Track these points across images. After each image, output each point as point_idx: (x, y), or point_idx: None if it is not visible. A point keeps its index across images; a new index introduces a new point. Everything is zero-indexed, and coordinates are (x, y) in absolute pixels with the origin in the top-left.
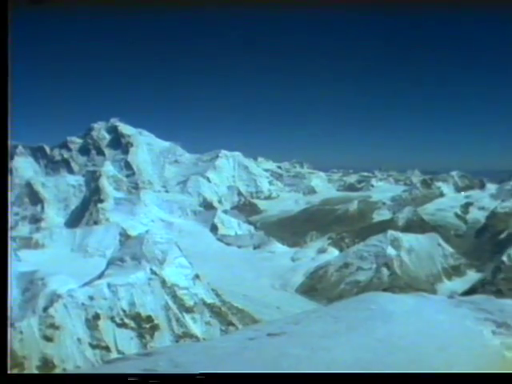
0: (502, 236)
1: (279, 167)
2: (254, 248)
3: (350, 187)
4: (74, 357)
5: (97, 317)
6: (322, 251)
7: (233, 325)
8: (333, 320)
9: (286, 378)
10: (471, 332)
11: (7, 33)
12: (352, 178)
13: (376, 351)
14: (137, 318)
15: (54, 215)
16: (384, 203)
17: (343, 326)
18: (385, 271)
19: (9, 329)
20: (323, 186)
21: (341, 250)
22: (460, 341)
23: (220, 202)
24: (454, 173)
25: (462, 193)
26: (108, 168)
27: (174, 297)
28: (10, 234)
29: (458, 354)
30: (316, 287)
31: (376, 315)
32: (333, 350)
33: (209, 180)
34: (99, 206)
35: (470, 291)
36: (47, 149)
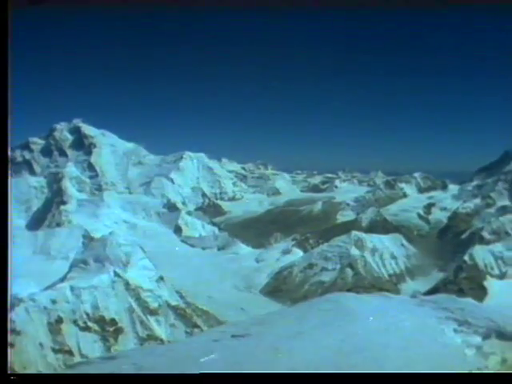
0: (464, 236)
1: (243, 168)
2: (219, 249)
3: (314, 188)
4: (36, 362)
5: (59, 321)
6: (286, 252)
7: (197, 327)
8: (297, 321)
9: (286, 378)
10: (433, 331)
11: (7, 33)
12: (316, 180)
13: (340, 351)
14: (100, 321)
15: (16, 217)
16: (348, 204)
17: (307, 327)
18: (349, 271)
19: (9, 329)
20: (287, 187)
21: (305, 251)
22: (422, 339)
23: (184, 203)
24: (416, 174)
25: (425, 194)
26: (71, 169)
27: (138, 299)
28: (9, 234)
29: (421, 353)
30: (280, 288)
31: (340, 315)
32: (296, 350)
33: (173, 181)
34: (62, 207)
35: (433, 291)
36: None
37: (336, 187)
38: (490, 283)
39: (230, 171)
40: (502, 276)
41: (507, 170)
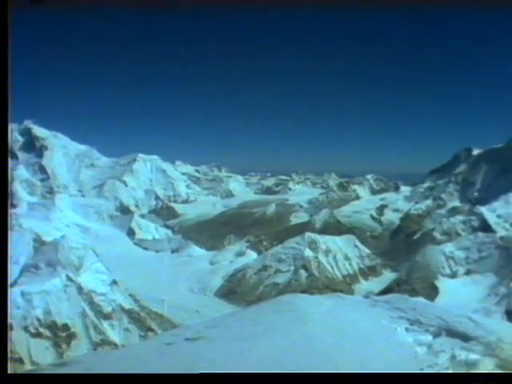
0: (416, 236)
1: (197, 171)
2: (172, 252)
3: (268, 190)
4: None
5: (9, 327)
6: (240, 254)
7: (152, 330)
8: (251, 323)
9: (286, 377)
10: (386, 330)
11: (7, 33)
12: (269, 181)
13: (293, 352)
14: (52, 326)
15: None
16: (301, 206)
17: (261, 329)
18: (303, 273)
19: (9, 329)
20: (241, 190)
21: (259, 253)
22: (375, 339)
23: (137, 206)
24: (369, 176)
25: (377, 195)
26: (21, 172)
27: (91, 303)
28: (9, 236)
29: (373, 352)
30: (235, 290)
31: (293, 317)
32: (250, 352)
33: (126, 184)
34: (12, 211)
35: (386, 291)
36: None
37: (289, 189)
38: (442, 282)
39: (184, 173)
40: (453, 275)
41: (457, 171)
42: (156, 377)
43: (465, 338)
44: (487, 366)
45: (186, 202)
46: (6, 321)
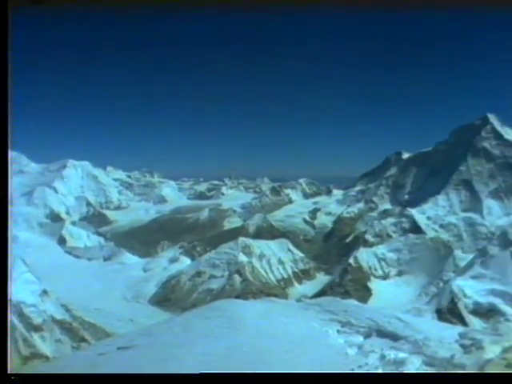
0: (348, 239)
1: (129, 176)
2: (105, 260)
3: (201, 195)
4: None
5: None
6: (173, 260)
7: (85, 340)
8: (184, 330)
9: (287, 378)
10: (318, 333)
11: (7, 33)
12: (202, 187)
13: (226, 357)
14: None
15: None
16: (234, 211)
17: (194, 335)
18: (237, 278)
19: (9, 329)
20: (174, 195)
21: (193, 259)
22: (307, 342)
23: (68, 213)
24: (301, 180)
25: (310, 199)
26: None
27: (21, 315)
28: (10, 237)
29: (305, 355)
30: (169, 297)
31: (226, 322)
32: (183, 359)
33: (56, 190)
34: None
35: (320, 294)
36: None
37: (222, 194)
38: (374, 284)
39: (116, 179)
40: (385, 276)
41: (388, 175)
42: (156, 377)
43: (394, 337)
44: (414, 364)
45: (118, 208)
46: (6, 321)
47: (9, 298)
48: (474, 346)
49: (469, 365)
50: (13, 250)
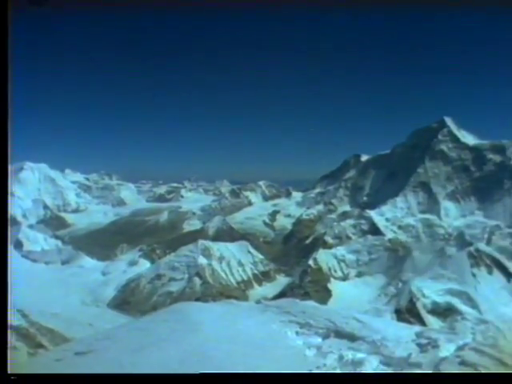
0: (308, 241)
1: (87, 179)
2: (63, 263)
3: (160, 198)
4: None
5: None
6: (133, 264)
7: (42, 346)
8: (142, 333)
9: (288, 378)
10: (276, 334)
11: (7, 33)
12: (162, 189)
13: (184, 361)
14: None
15: None
16: (194, 213)
17: (152, 339)
18: (197, 280)
19: (9, 329)
20: (132, 198)
21: (152, 262)
22: (266, 344)
23: (25, 216)
24: (261, 182)
25: (270, 201)
26: None
27: None
28: (10, 237)
29: (264, 357)
30: (129, 301)
31: (184, 325)
32: (141, 364)
33: (12, 193)
34: None
35: (280, 295)
36: None
37: (182, 197)
38: (334, 285)
39: (74, 182)
40: (344, 278)
41: (347, 177)
42: (157, 377)
43: (352, 338)
44: (372, 364)
45: (76, 211)
46: (6, 321)
47: (9, 298)
48: (429, 344)
49: (425, 363)
50: None
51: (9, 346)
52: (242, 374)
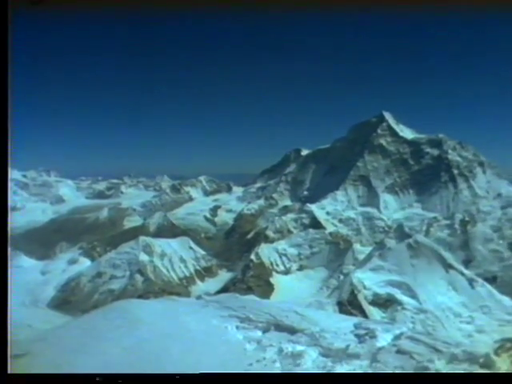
0: (250, 236)
1: (24, 176)
2: None
3: (100, 195)
4: None
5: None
6: (73, 262)
7: None
8: (82, 332)
9: (288, 378)
10: (217, 329)
11: (7, 33)
12: (101, 185)
13: (125, 359)
14: None
15: None
16: (134, 209)
17: (92, 338)
18: (138, 278)
19: (9, 329)
20: (72, 195)
21: (93, 260)
22: (206, 339)
23: None
24: (201, 177)
25: (210, 196)
26: None
27: None
28: (9, 237)
29: (205, 353)
30: (69, 300)
31: (125, 323)
32: (79, 364)
33: None
34: None
35: (223, 290)
36: None
37: (122, 193)
38: (276, 279)
39: (10, 179)
40: (286, 271)
41: (287, 171)
42: (157, 377)
43: (291, 331)
44: (311, 356)
45: (13, 209)
46: (6, 321)
47: (9, 298)
48: (367, 335)
49: (363, 354)
50: None
51: (8, 345)
52: (242, 374)
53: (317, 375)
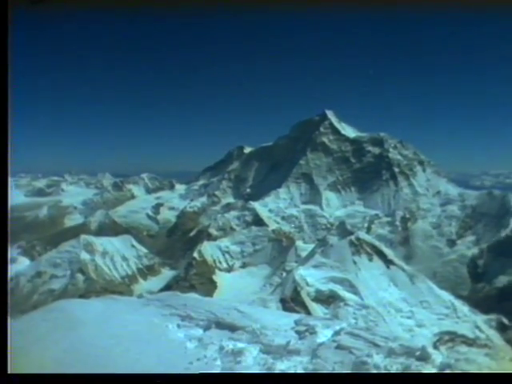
0: (192, 234)
1: None
2: None
3: (40, 192)
4: None
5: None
6: (11, 262)
7: None
8: (18, 335)
9: (288, 378)
10: (157, 328)
11: (7, 33)
12: (41, 183)
13: (64, 361)
14: None
15: None
16: (75, 207)
17: (30, 340)
18: (80, 277)
19: (9, 329)
20: (10, 192)
21: (32, 259)
22: (147, 338)
23: None
24: (144, 175)
25: (153, 194)
26: None
27: None
28: (9, 237)
29: (145, 352)
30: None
31: (64, 323)
32: (18, 366)
33: None
34: None
35: (166, 289)
36: None
37: (62, 190)
38: (219, 277)
39: None
40: (229, 269)
41: (230, 169)
42: (157, 377)
43: (232, 328)
44: (252, 353)
45: None
46: (6, 320)
47: (9, 298)
48: (307, 331)
49: (303, 350)
50: None
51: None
52: (241, 374)
53: (315, 375)
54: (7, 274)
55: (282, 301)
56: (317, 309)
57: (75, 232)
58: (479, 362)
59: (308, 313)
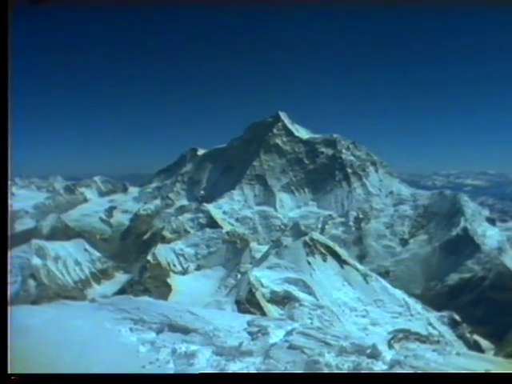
0: (146, 237)
1: None
2: None
3: None
4: None
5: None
6: None
7: None
8: None
9: (288, 378)
10: (110, 333)
11: (7, 33)
12: None
13: (13, 368)
14: None
15: None
16: (26, 212)
17: None
18: (32, 283)
19: (9, 329)
20: None
21: None
22: (99, 343)
23: None
24: (96, 178)
25: (106, 197)
26: None
27: None
28: (9, 237)
29: (97, 356)
30: None
31: (13, 331)
32: None
33: None
34: None
35: (120, 293)
36: None
37: (13, 194)
38: (174, 280)
39: None
40: (184, 272)
41: (184, 171)
42: (157, 376)
43: (185, 331)
44: (205, 355)
45: None
46: (6, 320)
47: (9, 297)
48: (260, 332)
49: (255, 350)
50: None
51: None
52: (241, 374)
53: (314, 375)
54: (7, 274)
55: (238, 302)
56: (272, 310)
57: (26, 237)
58: (427, 358)
59: (263, 314)
